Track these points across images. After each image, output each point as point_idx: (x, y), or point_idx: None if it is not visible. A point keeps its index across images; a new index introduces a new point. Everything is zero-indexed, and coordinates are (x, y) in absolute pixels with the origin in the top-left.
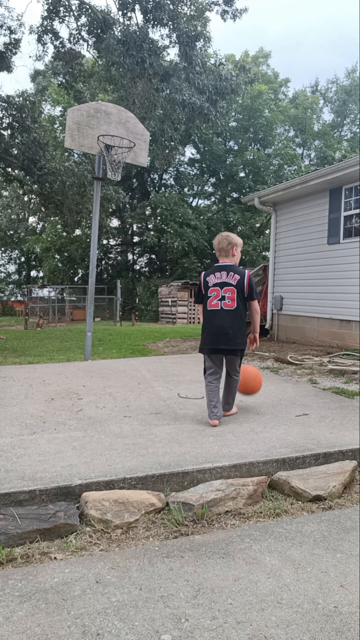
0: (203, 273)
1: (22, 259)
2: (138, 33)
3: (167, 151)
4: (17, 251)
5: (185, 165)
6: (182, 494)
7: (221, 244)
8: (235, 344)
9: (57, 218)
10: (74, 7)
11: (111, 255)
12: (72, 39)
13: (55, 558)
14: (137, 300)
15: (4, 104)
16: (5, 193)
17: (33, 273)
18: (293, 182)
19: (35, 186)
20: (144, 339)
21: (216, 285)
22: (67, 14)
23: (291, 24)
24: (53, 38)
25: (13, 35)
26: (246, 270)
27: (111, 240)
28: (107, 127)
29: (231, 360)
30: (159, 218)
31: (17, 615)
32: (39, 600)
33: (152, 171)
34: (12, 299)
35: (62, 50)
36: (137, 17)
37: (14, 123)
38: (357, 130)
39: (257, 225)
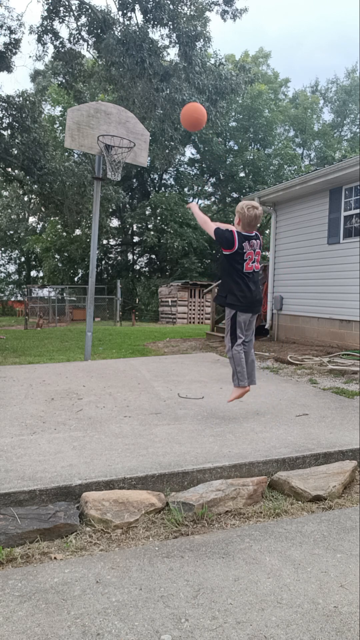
0: (235, 233)
1: (22, 259)
2: (138, 33)
3: (167, 151)
4: (17, 251)
5: (185, 165)
6: (182, 494)
7: (259, 217)
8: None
9: (57, 218)
10: (74, 7)
11: (111, 255)
12: (72, 39)
13: (55, 558)
14: (137, 300)
15: (4, 104)
16: (5, 193)
17: (33, 273)
18: (293, 182)
19: (35, 186)
20: (144, 339)
21: (250, 248)
22: (67, 14)
23: (291, 24)
24: (53, 38)
25: (13, 35)
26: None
27: (111, 240)
28: (107, 127)
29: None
30: (159, 218)
31: (17, 615)
32: (39, 600)
33: (152, 171)
34: (12, 299)
35: (62, 50)
36: (137, 17)
37: (14, 123)
38: (357, 130)
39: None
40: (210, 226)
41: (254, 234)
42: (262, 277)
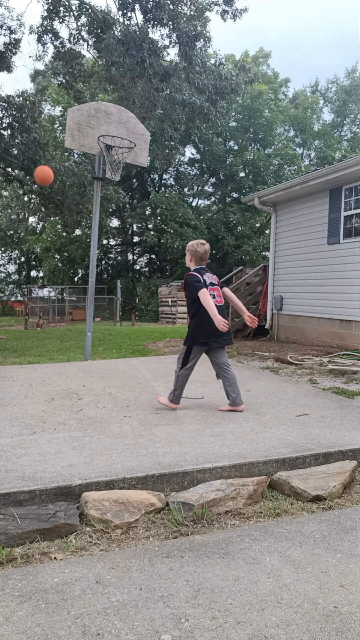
0: (192, 273)
1: (22, 259)
2: (138, 33)
3: (167, 151)
4: (17, 251)
5: (185, 165)
6: (182, 494)
7: (208, 251)
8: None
9: (57, 218)
10: (74, 7)
11: (111, 255)
12: (72, 39)
13: (55, 558)
14: (137, 300)
15: (4, 104)
16: (5, 193)
17: (33, 273)
18: (293, 182)
19: (35, 186)
20: (144, 339)
21: (211, 284)
22: (67, 14)
23: (291, 24)
24: (53, 38)
25: (13, 35)
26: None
27: (111, 240)
28: (108, 127)
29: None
30: (159, 218)
31: (17, 615)
32: (39, 600)
33: (152, 171)
34: (12, 299)
35: (62, 50)
36: (137, 17)
37: (14, 123)
38: (357, 130)
39: (257, 225)
40: (202, 300)
41: (205, 266)
42: (262, 277)
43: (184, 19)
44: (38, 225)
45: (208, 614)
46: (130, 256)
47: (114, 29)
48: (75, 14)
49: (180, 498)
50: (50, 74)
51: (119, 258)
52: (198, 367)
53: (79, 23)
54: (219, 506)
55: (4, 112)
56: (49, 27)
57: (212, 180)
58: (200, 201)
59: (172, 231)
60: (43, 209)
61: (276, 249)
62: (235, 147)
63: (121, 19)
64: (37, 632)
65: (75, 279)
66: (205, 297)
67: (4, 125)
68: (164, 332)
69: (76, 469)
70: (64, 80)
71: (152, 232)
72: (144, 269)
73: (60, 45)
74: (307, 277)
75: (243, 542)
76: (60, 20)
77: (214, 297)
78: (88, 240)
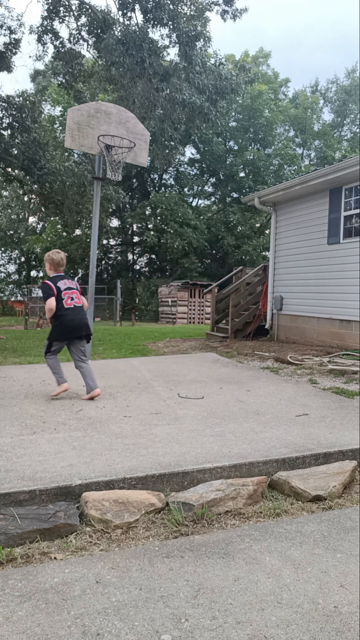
0: (46, 282)
1: (22, 259)
2: (138, 33)
3: (167, 151)
4: (17, 251)
5: (185, 165)
6: (182, 494)
7: (64, 259)
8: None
9: (57, 218)
10: (74, 7)
11: (111, 255)
12: (72, 39)
13: (55, 558)
14: (137, 300)
15: (4, 104)
16: (5, 193)
17: (33, 273)
18: (293, 182)
19: (35, 186)
20: (144, 339)
21: (68, 289)
22: (67, 14)
23: (291, 24)
24: (53, 38)
25: (13, 35)
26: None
27: (111, 240)
28: (107, 127)
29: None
30: (159, 218)
31: (17, 615)
32: (39, 600)
33: (152, 171)
34: (12, 299)
35: (62, 50)
36: (137, 17)
37: (14, 123)
38: (357, 130)
39: (257, 225)
40: (46, 307)
41: (63, 273)
42: (262, 277)
43: (184, 19)
44: (38, 225)
45: (208, 614)
46: (130, 256)
47: (114, 29)
48: (75, 14)
49: (180, 498)
50: (50, 74)
51: (119, 258)
52: (198, 367)
53: (79, 23)
54: (219, 506)
55: (4, 112)
56: (49, 27)
57: (212, 180)
58: (200, 201)
59: (172, 231)
60: (43, 209)
61: (276, 249)
62: (235, 147)
63: (121, 19)
64: (37, 632)
65: (75, 279)
66: (50, 304)
67: (4, 125)
68: (164, 332)
69: (76, 469)
70: (64, 80)
71: (152, 232)
72: (144, 269)
73: (60, 45)
74: (307, 277)
75: (243, 542)
76: (60, 20)
77: (72, 299)
78: (88, 240)
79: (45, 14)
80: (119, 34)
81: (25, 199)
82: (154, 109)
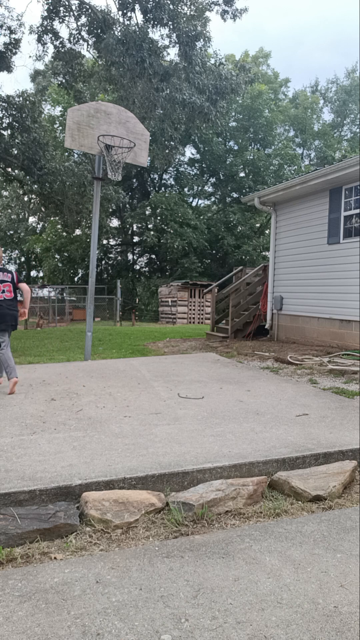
0: None
1: (22, 259)
2: (138, 33)
3: (167, 151)
4: (17, 251)
5: (185, 165)
6: (182, 494)
7: (0, 254)
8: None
9: (57, 218)
10: (74, 7)
11: (111, 255)
12: (72, 39)
13: (55, 558)
14: (137, 300)
15: (4, 104)
16: (5, 193)
17: (33, 273)
18: (293, 182)
19: (35, 186)
20: (144, 339)
21: (1, 282)
22: (67, 14)
23: (291, 24)
24: (53, 38)
25: (13, 35)
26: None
27: (111, 240)
28: (107, 127)
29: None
30: (159, 218)
31: (17, 615)
32: (39, 600)
33: (152, 171)
34: None
35: (62, 50)
36: (137, 17)
37: (14, 123)
38: (357, 130)
39: (257, 225)
40: None
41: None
42: (262, 277)
43: (184, 19)
44: (38, 225)
45: (208, 614)
46: (130, 256)
47: (114, 29)
48: (75, 14)
49: (180, 498)
50: (50, 74)
51: (119, 258)
52: (198, 367)
53: (79, 23)
54: (219, 506)
55: (4, 112)
56: (49, 27)
57: (212, 180)
58: (200, 201)
59: (172, 231)
60: (43, 209)
61: (276, 249)
62: (235, 147)
63: (121, 19)
64: (37, 632)
65: (75, 279)
66: None
67: (4, 125)
68: (164, 332)
69: (76, 469)
70: (64, 80)
71: (152, 232)
72: (144, 269)
73: (60, 45)
74: (307, 277)
75: (243, 542)
76: (60, 20)
77: (3, 291)
78: (88, 240)
79: (45, 14)
80: (119, 34)
81: (25, 199)
82: (154, 109)
